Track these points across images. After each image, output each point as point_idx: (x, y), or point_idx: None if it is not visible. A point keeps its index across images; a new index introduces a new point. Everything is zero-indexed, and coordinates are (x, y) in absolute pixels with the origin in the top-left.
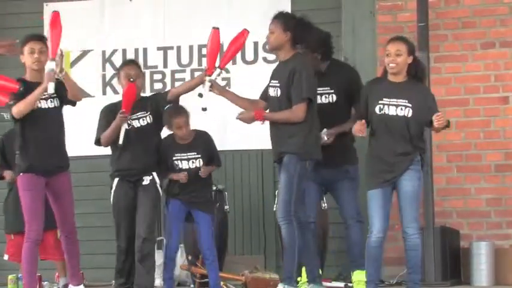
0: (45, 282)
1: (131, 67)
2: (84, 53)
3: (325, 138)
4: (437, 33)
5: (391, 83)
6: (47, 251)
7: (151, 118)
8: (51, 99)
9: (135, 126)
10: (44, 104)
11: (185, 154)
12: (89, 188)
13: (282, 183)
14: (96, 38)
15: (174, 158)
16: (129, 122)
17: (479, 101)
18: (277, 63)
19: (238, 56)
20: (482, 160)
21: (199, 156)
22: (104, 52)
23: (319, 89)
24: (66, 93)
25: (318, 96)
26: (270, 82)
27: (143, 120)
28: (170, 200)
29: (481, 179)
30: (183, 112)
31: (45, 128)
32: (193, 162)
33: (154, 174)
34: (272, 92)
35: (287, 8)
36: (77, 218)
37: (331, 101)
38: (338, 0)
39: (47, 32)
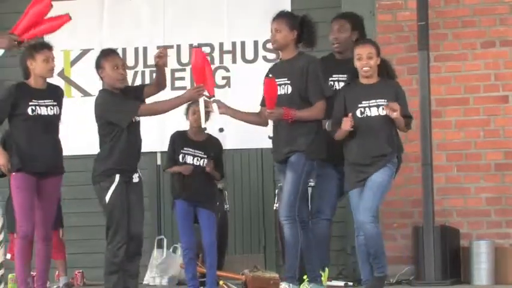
0: None
1: (117, 57)
2: (84, 52)
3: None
4: (437, 32)
5: (365, 86)
6: None
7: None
8: (51, 107)
9: (136, 120)
10: (43, 111)
11: (193, 150)
12: (88, 187)
13: (288, 182)
14: (95, 37)
15: (181, 151)
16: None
17: (479, 100)
18: (276, 62)
19: (238, 54)
20: (482, 159)
21: (206, 157)
22: None
23: (336, 75)
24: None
25: (336, 83)
26: None
27: None
28: (175, 201)
29: (480, 178)
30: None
31: (45, 135)
32: (198, 160)
33: (139, 171)
34: (279, 90)
35: (287, 7)
36: (78, 217)
37: None
38: (338, 0)
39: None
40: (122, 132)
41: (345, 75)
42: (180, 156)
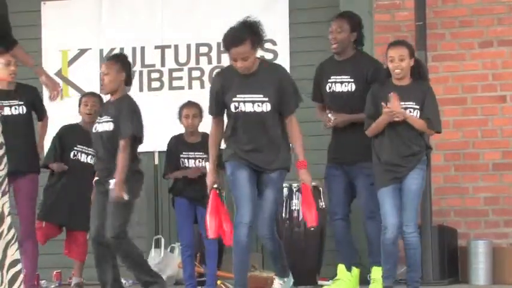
0: (43, 281)
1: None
2: (82, 52)
3: (332, 118)
4: (435, 32)
5: (396, 87)
6: (73, 249)
7: (112, 126)
8: (16, 107)
9: (99, 131)
10: (6, 111)
11: (192, 153)
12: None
13: (270, 199)
14: (93, 36)
15: (181, 156)
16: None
17: (477, 99)
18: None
19: None
20: (480, 159)
21: (206, 156)
22: (101, 51)
23: (339, 76)
24: (38, 103)
25: (339, 85)
26: (235, 96)
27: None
28: (176, 198)
29: (478, 178)
30: (194, 105)
31: (10, 134)
32: (199, 161)
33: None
34: (256, 107)
35: (285, 7)
36: None
37: (350, 90)
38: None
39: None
40: None
41: (343, 76)
42: (181, 161)
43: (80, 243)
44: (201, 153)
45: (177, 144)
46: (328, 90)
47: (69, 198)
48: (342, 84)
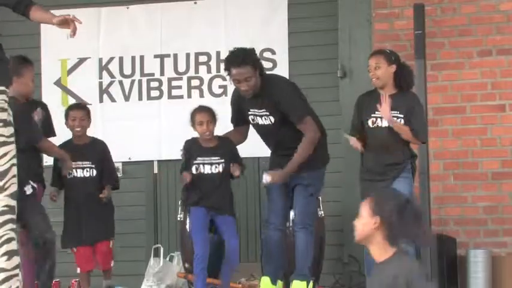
0: None
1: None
2: (81, 61)
3: (267, 180)
4: (434, 41)
5: (381, 96)
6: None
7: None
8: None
9: None
10: None
11: (208, 158)
12: None
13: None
14: (92, 45)
15: (196, 162)
16: None
17: (475, 108)
18: (273, 71)
19: None
20: (479, 168)
21: (223, 161)
22: (100, 60)
23: (258, 111)
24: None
25: (259, 118)
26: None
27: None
28: (191, 208)
29: (477, 187)
30: (207, 110)
31: None
32: (216, 167)
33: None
34: None
35: (283, 16)
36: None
37: (271, 121)
38: (334, 8)
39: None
40: None
41: (260, 110)
42: (194, 167)
43: (103, 253)
44: (217, 158)
45: (192, 148)
46: (252, 123)
47: (81, 215)
48: (262, 118)
